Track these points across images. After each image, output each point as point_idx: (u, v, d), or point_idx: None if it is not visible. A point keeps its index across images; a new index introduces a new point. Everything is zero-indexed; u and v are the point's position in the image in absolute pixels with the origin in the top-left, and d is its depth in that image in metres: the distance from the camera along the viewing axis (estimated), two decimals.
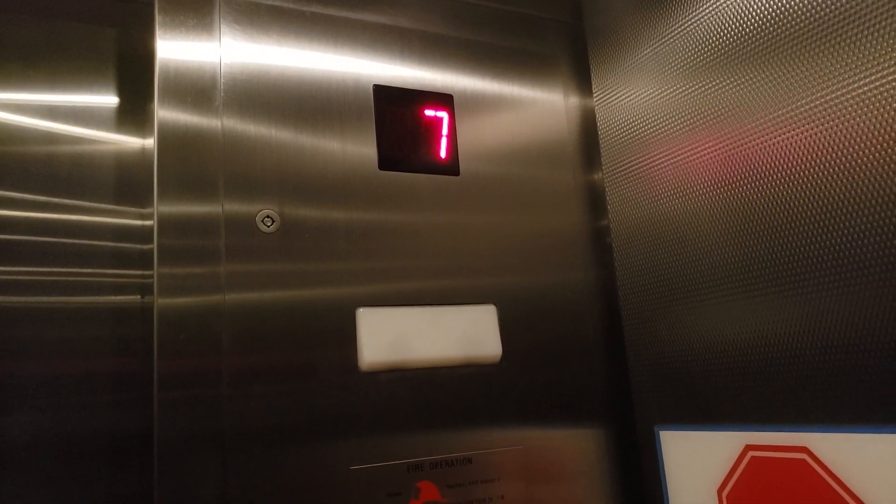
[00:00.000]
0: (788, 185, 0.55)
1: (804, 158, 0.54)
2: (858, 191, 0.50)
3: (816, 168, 0.53)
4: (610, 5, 0.77)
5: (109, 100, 0.66)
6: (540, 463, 0.68)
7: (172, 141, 0.59)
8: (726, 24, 0.61)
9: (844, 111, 0.51)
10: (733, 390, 0.60)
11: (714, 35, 0.62)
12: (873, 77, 0.49)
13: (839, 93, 0.51)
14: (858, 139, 0.50)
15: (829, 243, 0.52)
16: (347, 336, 0.62)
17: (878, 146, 0.48)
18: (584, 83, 0.82)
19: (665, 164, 0.68)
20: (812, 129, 0.53)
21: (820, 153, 0.53)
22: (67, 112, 0.64)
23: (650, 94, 0.70)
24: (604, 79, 0.77)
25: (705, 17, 0.63)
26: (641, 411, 0.70)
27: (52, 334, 0.59)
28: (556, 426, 0.70)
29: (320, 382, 0.60)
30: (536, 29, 0.82)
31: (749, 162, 0.59)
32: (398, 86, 0.71)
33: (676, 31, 0.67)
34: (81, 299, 0.61)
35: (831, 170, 0.52)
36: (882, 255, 0.48)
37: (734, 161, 0.60)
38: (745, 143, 0.59)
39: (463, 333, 0.66)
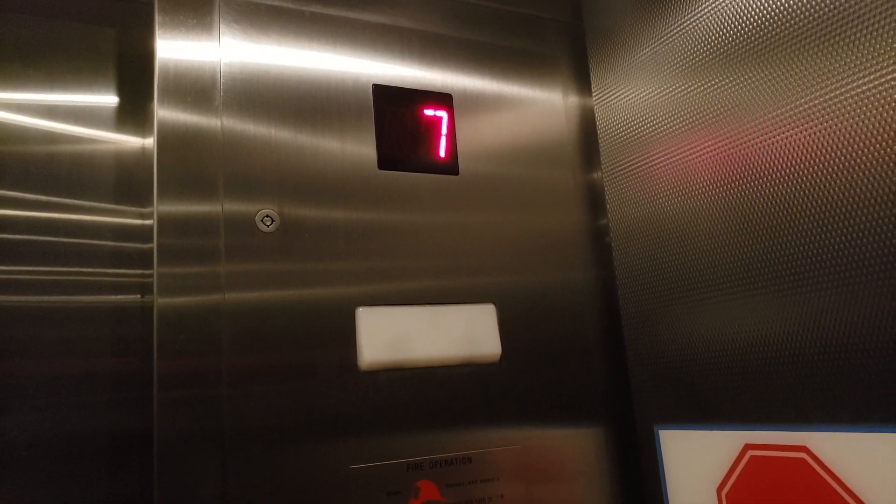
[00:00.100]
0: (788, 184, 0.55)
1: (803, 157, 0.54)
2: (858, 189, 0.50)
3: (816, 167, 0.53)
4: (609, 5, 0.77)
5: (109, 99, 0.66)
6: (539, 462, 0.68)
7: (172, 140, 0.59)
8: (725, 23, 0.61)
9: (844, 110, 0.51)
10: (733, 389, 0.60)
11: (713, 34, 0.62)
12: (872, 76, 0.49)
13: (838, 92, 0.51)
14: (858, 138, 0.50)
15: (828, 242, 0.52)
16: (347, 335, 0.62)
17: (878, 145, 0.48)
18: (583, 83, 0.82)
19: (664, 163, 0.68)
20: (811, 127, 0.53)
21: (819, 152, 0.53)
22: (67, 112, 0.64)
23: (649, 93, 0.70)
24: (603, 78, 0.77)
25: (704, 17, 0.63)
26: (641, 410, 0.70)
27: (52, 334, 0.59)
28: (556, 425, 0.70)
29: (320, 382, 0.60)
30: (536, 29, 0.82)
31: (748, 161, 0.59)
32: (398, 85, 0.71)
33: (675, 31, 0.67)
34: (81, 299, 0.61)
35: (831, 169, 0.52)
36: (882, 253, 0.48)
37: (733, 160, 0.60)
38: (745, 143, 0.59)
39: (462, 333, 0.66)
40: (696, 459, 0.62)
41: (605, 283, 0.76)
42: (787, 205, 0.55)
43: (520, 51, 0.79)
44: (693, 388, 0.64)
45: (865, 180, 0.49)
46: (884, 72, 0.48)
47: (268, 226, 0.61)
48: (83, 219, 0.63)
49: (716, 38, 0.62)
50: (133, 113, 0.67)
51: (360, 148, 0.67)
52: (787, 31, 0.55)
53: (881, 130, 0.48)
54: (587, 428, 0.72)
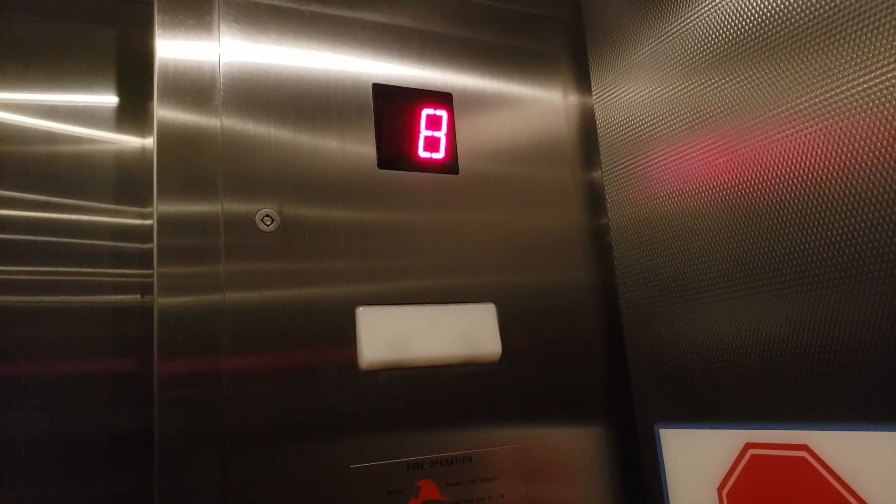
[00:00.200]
0: (788, 183, 0.55)
1: (804, 156, 0.54)
2: (859, 188, 0.50)
3: (817, 166, 0.53)
4: (609, 3, 0.77)
5: (109, 99, 0.66)
6: (540, 461, 0.68)
7: (172, 140, 0.59)
8: (726, 22, 0.61)
9: (844, 109, 0.51)
10: (733, 388, 0.60)
11: (713, 32, 0.62)
12: (873, 74, 0.49)
13: (839, 90, 0.51)
14: (859, 137, 0.50)
15: (829, 241, 0.52)
16: (347, 335, 0.62)
17: (879, 144, 0.48)
18: (583, 81, 0.82)
19: (664, 162, 0.68)
20: (812, 126, 0.53)
21: (820, 151, 0.52)
22: (67, 112, 0.64)
23: (649, 92, 0.70)
24: (603, 77, 0.77)
25: (705, 15, 0.63)
26: (641, 409, 0.70)
27: (52, 334, 0.59)
28: (556, 425, 0.70)
29: (320, 381, 0.60)
30: (535, 27, 0.82)
31: (749, 160, 0.58)
32: (397, 85, 0.71)
33: (676, 30, 0.67)
34: (81, 299, 0.61)
35: (832, 167, 0.52)
36: (883, 252, 0.48)
37: (734, 159, 0.60)
38: (745, 141, 0.59)
39: (462, 332, 0.66)
40: (696, 458, 0.62)
41: (606, 282, 0.76)
42: (787, 203, 0.55)
43: (519, 50, 0.79)
44: (693, 387, 0.64)
45: (866, 179, 0.49)
46: (885, 70, 0.48)
47: (268, 225, 0.61)
48: (83, 219, 0.63)
49: (716, 37, 0.62)
50: (133, 113, 0.67)
51: (359, 147, 0.67)
52: (787, 30, 0.55)
53: (882, 129, 0.48)
54: (588, 427, 0.72)
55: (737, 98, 0.60)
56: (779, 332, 0.55)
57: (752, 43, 0.58)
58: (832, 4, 0.52)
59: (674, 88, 0.67)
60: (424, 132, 0.70)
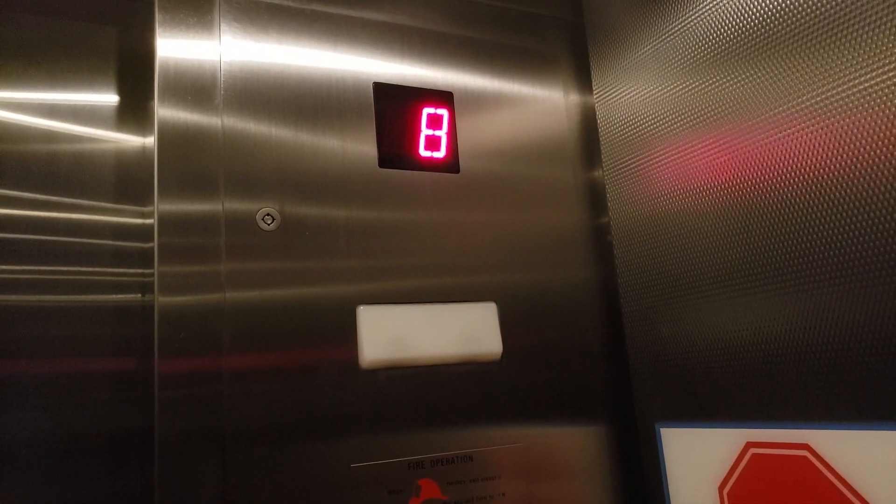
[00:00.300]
0: (790, 182, 0.55)
1: (805, 155, 0.54)
2: (860, 187, 0.50)
3: (818, 165, 0.53)
4: (610, 3, 0.77)
5: (110, 98, 0.66)
6: (541, 460, 0.68)
7: (173, 139, 0.59)
8: (727, 21, 0.61)
9: (846, 108, 0.51)
10: (734, 387, 0.60)
11: (714, 32, 0.62)
12: (874, 74, 0.49)
13: (840, 89, 0.51)
14: (860, 136, 0.50)
15: (830, 240, 0.52)
16: (348, 334, 0.62)
17: (880, 143, 0.48)
18: (584, 80, 0.82)
19: (665, 161, 0.68)
20: (813, 125, 0.53)
21: (821, 150, 0.52)
22: (68, 111, 0.64)
23: (650, 91, 0.70)
24: (604, 76, 0.77)
25: (706, 14, 0.63)
26: (642, 408, 0.70)
27: (53, 333, 0.59)
28: (557, 424, 0.70)
29: (321, 380, 0.60)
30: (536, 26, 0.82)
31: (750, 159, 0.58)
32: (398, 83, 0.71)
33: (677, 29, 0.67)
34: (82, 298, 0.61)
35: (833, 166, 0.52)
36: (884, 251, 0.48)
37: (735, 158, 0.60)
38: (746, 141, 0.59)
39: (463, 331, 0.66)
40: (697, 457, 0.62)
41: (607, 281, 0.76)
42: (788, 203, 0.55)
43: (520, 49, 0.79)
44: (694, 386, 0.64)
45: (868, 178, 0.49)
46: (886, 69, 0.48)
47: (268, 224, 0.61)
48: (84, 218, 0.63)
49: (717, 36, 0.62)
50: (133, 112, 0.67)
51: (360, 146, 0.67)
52: (788, 29, 0.55)
53: (883, 128, 0.48)
54: (588, 426, 0.72)
55: (738, 97, 0.60)
56: (780, 332, 0.55)
57: (752, 42, 0.58)
58: (833, 4, 0.52)
59: (675, 87, 0.67)
60: (425, 131, 0.70)
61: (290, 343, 0.60)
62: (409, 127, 0.70)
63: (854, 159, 0.50)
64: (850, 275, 0.50)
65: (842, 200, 0.51)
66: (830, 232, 0.52)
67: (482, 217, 0.71)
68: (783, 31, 0.56)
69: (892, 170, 0.47)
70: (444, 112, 0.72)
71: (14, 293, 0.59)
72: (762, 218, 0.57)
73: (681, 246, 0.66)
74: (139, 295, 0.63)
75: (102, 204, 0.64)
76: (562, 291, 0.74)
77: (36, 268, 0.60)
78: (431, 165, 0.70)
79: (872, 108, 0.49)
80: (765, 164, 0.57)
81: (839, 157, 0.51)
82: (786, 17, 0.55)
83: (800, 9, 0.54)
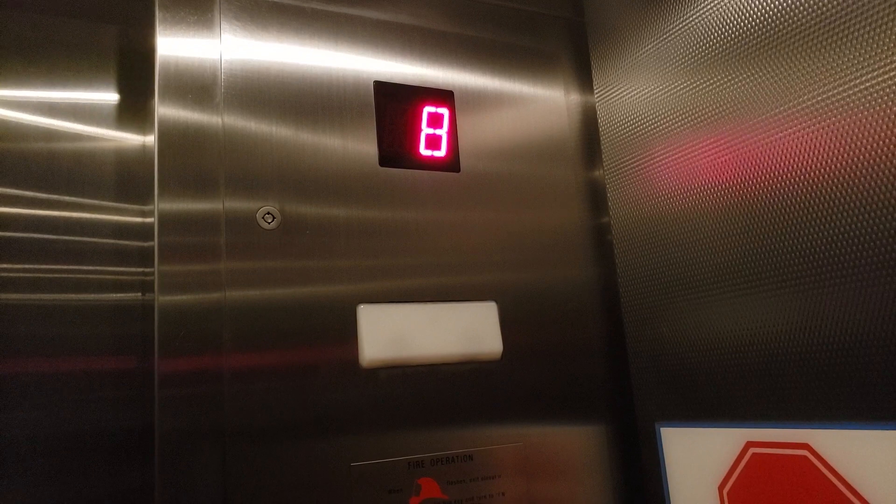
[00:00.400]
0: (791, 182, 0.55)
1: (806, 155, 0.54)
2: (861, 187, 0.50)
3: (819, 164, 0.53)
4: (611, 2, 0.77)
5: (110, 97, 0.66)
6: (541, 460, 0.68)
7: (173, 138, 0.59)
8: (728, 20, 0.61)
9: (847, 107, 0.51)
10: (734, 387, 0.60)
11: (716, 31, 0.62)
12: (875, 73, 0.48)
13: (842, 89, 0.51)
14: (861, 136, 0.50)
15: (831, 239, 0.52)
16: (348, 333, 0.62)
17: (881, 142, 0.48)
18: (585, 80, 0.81)
19: (666, 160, 0.68)
20: (815, 125, 0.53)
21: (822, 149, 0.52)
22: (68, 109, 0.64)
23: (651, 90, 0.70)
24: (605, 75, 0.77)
25: (707, 14, 0.63)
26: (642, 408, 0.70)
27: (53, 331, 0.59)
28: (557, 423, 0.70)
29: (321, 380, 0.60)
30: (537, 25, 0.81)
31: (751, 158, 0.58)
32: (399, 82, 0.70)
33: (678, 28, 0.66)
34: (82, 296, 0.61)
35: (834, 166, 0.52)
36: (885, 251, 0.48)
37: (735, 158, 0.60)
38: (747, 140, 0.59)
39: (464, 330, 0.66)
40: (697, 457, 0.62)
41: (607, 280, 0.76)
42: (789, 202, 0.55)
43: (521, 47, 0.79)
44: (694, 386, 0.64)
45: (869, 177, 0.49)
46: (887, 69, 0.48)
47: (269, 223, 0.61)
48: (84, 216, 0.63)
49: (718, 35, 0.62)
50: (134, 110, 0.67)
51: (361, 145, 0.67)
52: (790, 28, 0.55)
53: (884, 128, 0.48)
54: (589, 425, 0.72)
55: (738, 97, 0.60)
56: (780, 331, 0.55)
57: (753, 41, 0.58)
58: (833, 4, 0.52)
59: (676, 87, 0.67)
60: (426, 130, 0.70)
61: (291, 342, 0.60)
62: (410, 126, 0.70)
63: (854, 159, 0.50)
64: (850, 274, 0.50)
65: (842, 200, 0.51)
66: (831, 231, 0.52)
67: (483, 216, 0.71)
68: (784, 31, 0.55)
69: (892, 170, 0.47)
70: (444, 111, 0.72)
71: (14, 292, 0.59)
72: (762, 217, 0.57)
73: (681, 245, 0.66)
74: (139, 294, 0.63)
75: (102, 202, 0.63)
76: (562, 291, 0.74)
77: (36, 266, 0.60)
78: (432, 164, 0.70)
79: (872, 108, 0.49)
80: (765, 164, 0.57)
81: (839, 157, 0.51)
82: (786, 17, 0.55)
83: (800, 9, 0.54)
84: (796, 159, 0.54)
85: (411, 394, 0.64)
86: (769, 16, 0.57)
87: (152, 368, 0.55)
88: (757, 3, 0.58)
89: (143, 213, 0.65)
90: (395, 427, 0.62)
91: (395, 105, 0.69)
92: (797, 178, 0.54)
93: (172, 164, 0.59)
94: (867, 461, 0.49)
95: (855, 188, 0.50)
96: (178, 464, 0.54)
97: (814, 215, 0.53)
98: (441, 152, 0.71)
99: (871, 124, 0.49)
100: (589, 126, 0.80)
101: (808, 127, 0.53)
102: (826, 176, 0.52)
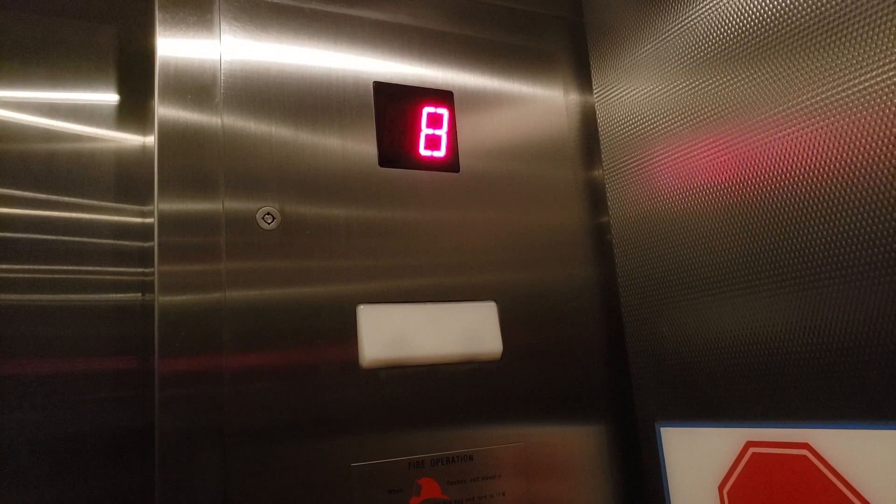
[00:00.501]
0: (790, 182, 0.55)
1: (806, 155, 0.54)
2: (860, 187, 0.50)
3: (818, 164, 0.53)
4: (610, 2, 0.77)
5: (110, 97, 0.66)
6: (541, 460, 0.68)
7: (173, 138, 0.59)
8: (727, 21, 0.61)
9: (846, 107, 0.51)
10: (734, 387, 0.60)
11: (715, 31, 0.62)
12: (875, 73, 0.49)
13: (841, 89, 0.51)
14: (860, 135, 0.50)
15: (831, 239, 0.52)
16: (348, 333, 0.62)
17: (880, 142, 0.48)
18: (584, 80, 0.82)
19: (665, 160, 0.68)
20: (813, 125, 0.53)
21: (821, 149, 0.52)
22: (68, 110, 0.64)
23: (651, 90, 0.70)
24: (604, 75, 0.77)
25: (706, 14, 0.63)
26: (642, 408, 0.70)
27: (53, 332, 0.59)
28: (557, 423, 0.70)
29: (321, 380, 0.60)
30: (537, 25, 0.82)
31: (750, 158, 0.58)
32: (398, 83, 0.70)
33: (677, 28, 0.67)
34: (82, 297, 0.61)
35: (833, 166, 0.52)
36: (885, 251, 0.48)
37: (735, 158, 0.60)
38: (746, 140, 0.59)
39: (464, 330, 0.66)
40: (697, 457, 0.62)
41: (607, 280, 0.76)
42: (789, 202, 0.55)
43: (520, 48, 0.79)
44: (694, 386, 0.64)
45: (868, 177, 0.49)
46: (886, 69, 0.48)
47: (269, 223, 0.61)
48: (83, 217, 0.63)
49: (718, 35, 0.62)
50: (133, 111, 0.67)
51: (360, 145, 0.67)
52: (789, 28, 0.55)
53: (883, 128, 0.48)
54: (589, 425, 0.72)
55: (738, 97, 0.60)
56: (780, 331, 0.55)
57: (753, 42, 0.58)
58: (833, 4, 0.52)
59: (675, 87, 0.67)
60: (425, 130, 0.70)
61: (291, 342, 0.60)
62: (410, 126, 0.70)
63: (854, 159, 0.50)
64: (850, 274, 0.50)
65: (842, 200, 0.51)
66: (830, 231, 0.52)
67: (482, 216, 0.71)
68: (783, 31, 0.56)
69: (891, 169, 0.47)
70: (444, 111, 0.72)
71: (14, 292, 0.59)
72: (762, 217, 0.57)
73: (681, 245, 0.66)
74: (139, 294, 0.63)
75: (102, 203, 0.64)
76: (562, 291, 0.74)
77: (36, 267, 0.60)
78: (431, 164, 0.70)
79: (872, 108, 0.49)
80: (765, 164, 0.57)
81: (839, 157, 0.51)
82: (786, 16, 0.55)
83: (800, 9, 0.54)
84: (795, 159, 0.54)
85: (411, 394, 0.64)
86: (768, 16, 0.57)
87: (152, 369, 0.55)
88: (756, 3, 0.58)
89: (143, 214, 0.65)
90: (395, 427, 0.62)
91: (394, 105, 0.69)
92: (796, 178, 0.54)
93: (172, 164, 0.59)
94: (867, 461, 0.49)
95: (854, 188, 0.50)
96: (179, 464, 0.54)
97: (813, 215, 0.53)
98: (440, 152, 0.71)
99: (870, 124, 0.49)
100: (588, 126, 0.80)
101: (808, 127, 0.53)
102: (825, 176, 0.52)
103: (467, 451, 0.65)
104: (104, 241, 0.63)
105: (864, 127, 0.49)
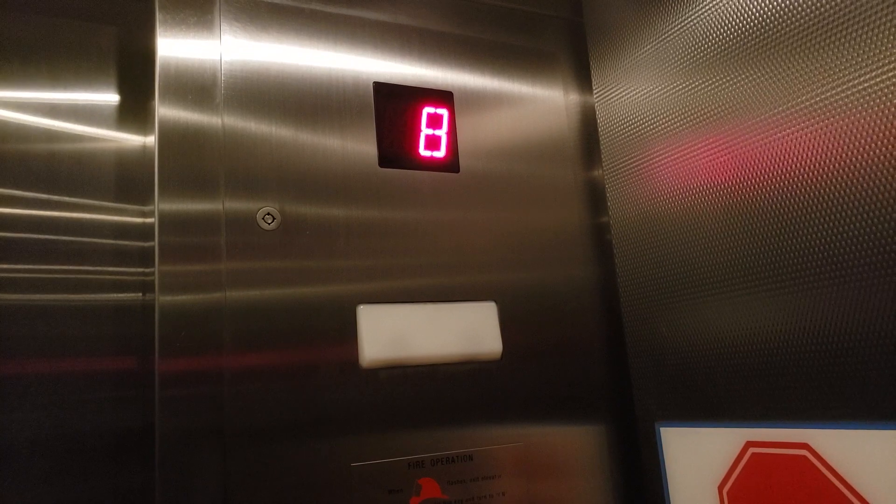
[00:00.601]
0: (790, 182, 0.55)
1: (805, 155, 0.54)
2: (859, 187, 0.50)
3: (818, 164, 0.53)
4: (610, 2, 0.77)
5: (110, 98, 0.66)
6: (541, 460, 0.68)
7: (173, 139, 0.59)
8: (727, 21, 0.61)
9: (846, 108, 0.51)
10: (734, 387, 0.60)
11: (715, 32, 0.62)
12: (874, 73, 0.49)
13: (840, 89, 0.51)
14: (859, 136, 0.50)
15: (830, 239, 0.52)
16: (348, 333, 0.62)
17: (880, 142, 0.48)
18: (584, 80, 0.82)
19: (665, 160, 0.68)
20: (813, 125, 0.53)
21: (821, 150, 0.52)
22: (68, 110, 0.64)
23: (650, 90, 0.70)
24: (604, 76, 0.77)
25: (706, 14, 0.63)
26: (642, 408, 0.70)
27: (53, 332, 0.59)
28: (557, 423, 0.70)
29: (321, 380, 0.60)
30: (536, 25, 0.82)
31: (750, 159, 0.58)
32: (398, 83, 0.71)
33: (677, 28, 0.67)
34: (82, 297, 0.61)
35: (833, 166, 0.52)
36: (884, 251, 0.48)
37: (735, 158, 0.60)
38: (746, 140, 0.59)
39: (463, 330, 0.66)
40: (697, 457, 0.62)
41: (607, 280, 0.76)
42: (788, 202, 0.55)
43: (520, 48, 0.79)
44: (694, 386, 0.64)
45: (867, 177, 0.49)
46: (885, 69, 0.48)
47: (269, 224, 0.61)
48: (84, 217, 0.63)
49: (717, 36, 0.62)
50: (134, 111, 0.67)
51: (360, 146, 0.67)
52: (788, 29, 0.55)
53: (883, 128, 0.48)
54: (588, 425, 0.72)
55: (738, 97, 0.60)
56: (780, 331, 0.55)
57: (753, 42, 0.58)
58: (833, 4, 0.52)
59: (675, 87, 0.67)
60: (425, 130, 0.70)
61: (291, 342, 0.60)
62: (409, 126, 0.70)
63: (854, 159, 0.50)
64: (849, 274, 0.50)
65: (842, 200, 0.51)
66: (830, 231, 0.52)
67: (482, 216, 0.71)
68: (783, 31, 0.56)
69: (891, 169, 0.47)
70: (443, 111, 0.72)
71: (15, 292, 0.59)
72: (761, 217, 0.57)
73: (680, 245, 0.66)
74: (140, 294, 0.63)
75: (103, 203, 0.64)
76: (562, 291, 0.74)
77: (36, 267, 0.60)
78: (431, 165, 0.70)
79: (872, 108, 0.49)
80: (764, 164, 0.57)
81: (839, 157, 0.51)
82: (786, 16, 0.55)
83: (800, 9, 0.54)
84: (795, 159, 0.54)
85: (411, 394, 0.64)
86: (768, 16, 0.57)
87: (153, 369, 0.55)
88: (756, 3, 0.58)
89: (144, 214, 0.65)
90: (395, 427, 0.62)
91: (394, 106, 0.70)
92: (796, 178, 0.54)
93: (173, 164, 0.59)
94: (867, 461, 0.49)
95: (854, 188, 0.50)
96: (179, 464, 0.54)
97: (813, 215, 0.53)
98: (440, 153, 0.71)
99: (869, 124, 0.49)
100: (588, 126, 0.80)
101: (807, 127, 0.53)
102: (825, 176, 0.52)
103: (467, 451, 0.65)
104: (105, 241, 0.63)
105: (864, 127, 0.49)
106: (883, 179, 0.48)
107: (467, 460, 0.64)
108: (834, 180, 0.51)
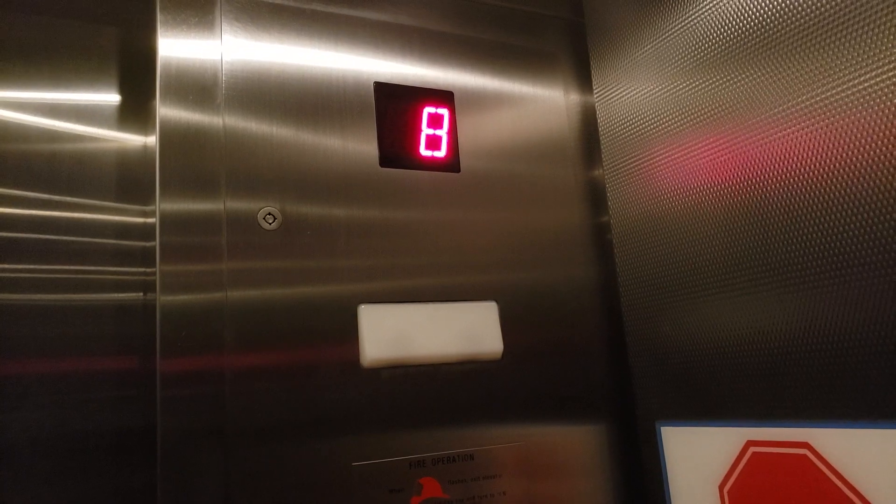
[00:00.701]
0: (790, 181, 0.55)
1: (806, 154, 0.54)
2: (860, 186, 0.50)
3: (818, 164, 0.53)
4: (611, 2, 0.77)
5: (111, 98, 0.66)
6: (541, 459, 0.68)
7: (174, 138, 0.59)
8: (727, 21, 0.61)
9: (846, 107, 0.51)
10: (735, 386, 0.60)
11: (715, 31, 0.62)
12: (875, 73, 0.49)
13: (841, 88, 0.51)
14: (860, 135, 0.50)
15: (831, 239, 0.52)
16: (349, 333, 0.62)
17: (880, 142, 0.48)
18: (584, 80, 0.82)
19: (666, 160, 0.68)
20: (813, 125, 0.53)
21: (821, 149, 0.53)
22: (69, 110, 0.64)
23: (651, 90, 0.70)
24: (604, 75, 0.77)
25: (706, 14, 0.63)
26: (643, 407, 0.70)
27: (54, 332, 0.59)
28: (558, 422, 0.70)
29: (322, 379, 0.60)
30: (537, 25, 0.82)
31: (750, 158, 0.59)
32: (399, 83, 0.71)
33: (677, 28, 0.67)
34: (83, 297, 0.61)
35: (833, 165, 0.52)
36: (885, 250, 0.48)
37: (735, 157, 0.60)
38: (747, 140, 0.59)
39: (464, 330, 0.66)
40: (697, 456, 0.62)
41: (607, 280, 0.76)
42: (789, 202, 0.55)
43: (521, 48, 0.79)
44: (695, 385, 0.64)
45: (868, 177, 0.49)
46: (886, 69, 0.48)
47: (270, 223, 0.61)
48: (85, 217, 0.63)
49: (718, 35, 0.62)
50: (135, 111, 0.67)
51: (361, 145, 0.67)
52: (789, 29, 0.55)
53: (883, 128, 0.48)
54: (589, 425, 0.72)
55: (738, 96, 0.60)
56: (780, 330, 0.56)
57: (753, 41, 0.58)
58: (833, 4, 0.52)
59: (675, 87, 0.67)
60: (426, 130, 0.70)
61: (292, 342, 0.60)
62: (410, 126, 0.70)
63: (854, 159, 0.50)
64: (850, 273, 0.50)
65: (842, 199, 0.51)
66: (831, 231, 0.52)
67: (483, 216, 0.71)
68: (784, 31, 0.56)
69: (892, 169, 0.47)
70: (444, 111, 0.72)
71: (16, 292, 0.59)
72: (762, 217, 0.57)
73: (681, 245, 0.66)
74: (141, 294, 0.63)
75: (104, 203, 0.64)
76: (562, 290, 0.74)
77: (38, 267, 0.60)
78: (432, 165, 0.70)
79: (872, 108, 0.49)
80: (765, 164, 0.57)
81: (839, 156, 0.51)
82: (786, 16, 0.55)
83: (800, 8, 0.54)
84: (796, 159, 0.54)
85: (412, 393, 0.64)
86: (768, 16, 0.57)
87: (154, 368, 0.55)
88: (756, 3, 0.58)
89: (145, 214, 0.65)
90: (396, 427, 0.62)
91: (395, 106, 0.70)
92: (797, 178, 0.54)
93: (174, 164, 0.59)
94: (867, 460, 0.49)
95: (854, 187, 0.50)
96: (180, 464, 0.54)
97: (814, 214, 0.53)
98: (441, 153, 0.71)
99: (870, 124, 0.49)
100: (588, 126, 0.80)
101: (808, 126, 0.53)
102: (826, 175, 0.52)
103: (468, 450, 0.65)
104: (106, 240, 0.63)
105: (864, 127, 0.49)
106: (883, 179, 0.48)
107: (468, 460, 0.64)
108: (834, 180, 0.51)
